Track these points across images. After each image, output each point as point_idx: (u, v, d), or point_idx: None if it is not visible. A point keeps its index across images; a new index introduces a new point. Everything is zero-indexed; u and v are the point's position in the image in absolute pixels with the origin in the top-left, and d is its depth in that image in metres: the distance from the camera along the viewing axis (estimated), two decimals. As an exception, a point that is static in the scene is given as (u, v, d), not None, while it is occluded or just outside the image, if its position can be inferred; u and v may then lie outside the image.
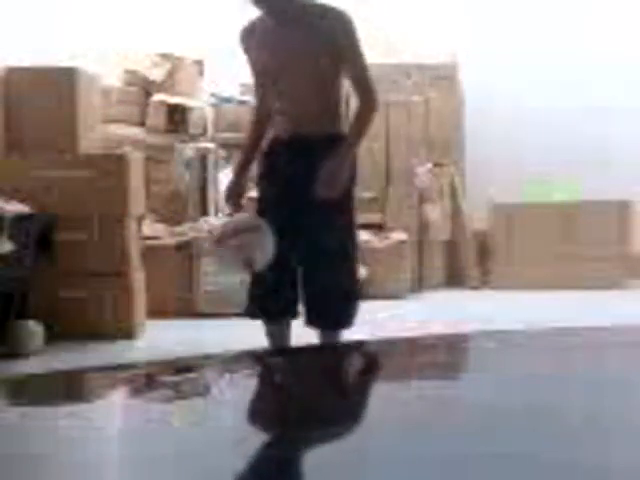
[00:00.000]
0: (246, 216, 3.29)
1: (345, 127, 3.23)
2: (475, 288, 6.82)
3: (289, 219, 3.15)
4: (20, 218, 4.26)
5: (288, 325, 3.30)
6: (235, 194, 3.43)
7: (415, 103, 6.87)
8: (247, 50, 3.24)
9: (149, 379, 1.13)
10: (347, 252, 3.22)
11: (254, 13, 3.17)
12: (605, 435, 0.80)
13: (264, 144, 3.39)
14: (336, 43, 3.06)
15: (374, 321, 5.22)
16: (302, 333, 3.24)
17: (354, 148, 3.13)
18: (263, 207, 3.29)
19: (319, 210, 3.08)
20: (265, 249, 3.05)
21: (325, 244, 3.12)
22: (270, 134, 3.35)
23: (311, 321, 3.19)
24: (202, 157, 6.24)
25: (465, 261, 7.01)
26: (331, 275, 3.14)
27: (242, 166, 3.45)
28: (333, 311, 3.18)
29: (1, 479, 0.71)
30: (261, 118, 3.37)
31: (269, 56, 3.16)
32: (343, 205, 3.18)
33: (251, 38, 3.21)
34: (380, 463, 0.72)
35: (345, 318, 3.21)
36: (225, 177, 6.40)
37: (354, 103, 3.33)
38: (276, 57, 3.14)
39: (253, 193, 6.29)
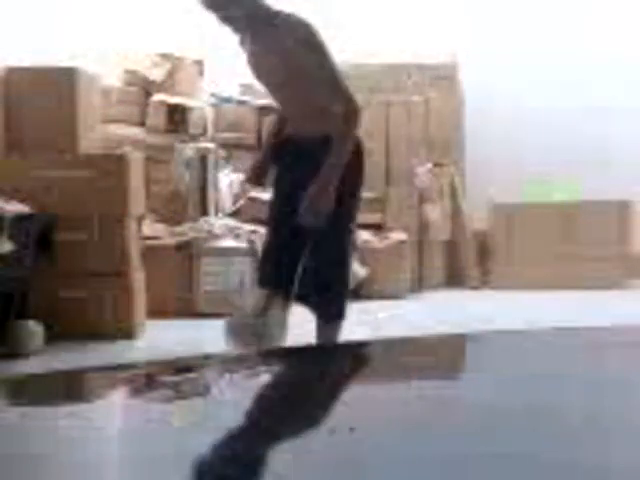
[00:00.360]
0: (260, 295, 3.35)
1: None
2: (475, 288, 6.83)
3: (296, 215, 3.20)
4: (20, 218, 4.26)
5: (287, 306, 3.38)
6: (256, 174, 3.50)
7: (415, 103, 6.87)
8: None
9: (149, 379, 1.13)
10: (343, 252, 3.29)
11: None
12: (605, 435, 0.80)
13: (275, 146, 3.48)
14: (296, 53, 3.04)
15: (374, 321, 5.23)
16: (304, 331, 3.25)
17: (336, 168, 3.03)
18: (276, 204, 3.36)
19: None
20: (281, 327, 3.19)
21: (326, 241, 3.19)
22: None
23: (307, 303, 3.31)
24: (202, 157, 6.23)
25: (465, 261, 7.01)
26: (326, 269, 3.22)
27: (265, 152, 3.52)
28: (324, 302, 3.27)
29: (1, 479, 0.71)
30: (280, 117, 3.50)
31: (252, 67, 3.25)
32: (349, 205, 3.24)
33: (244, 47, 3.30)
34: (380, 463, 0.72)
35: (334, 310, 3.28)
36: (225, 177, 6.41)
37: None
38: (256, 68, 3.23)
39: (253, 194, 6.31)
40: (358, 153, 3.20)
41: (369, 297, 6.05)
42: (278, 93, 3.27)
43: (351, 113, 3.05)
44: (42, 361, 4.18)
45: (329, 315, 3.28)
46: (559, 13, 7.27)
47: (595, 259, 6.64)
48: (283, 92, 3.23)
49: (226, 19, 3.10)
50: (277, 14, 3.13)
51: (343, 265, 3.31)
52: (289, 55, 3.05)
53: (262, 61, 3.16)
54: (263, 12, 3.12)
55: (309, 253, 3.21)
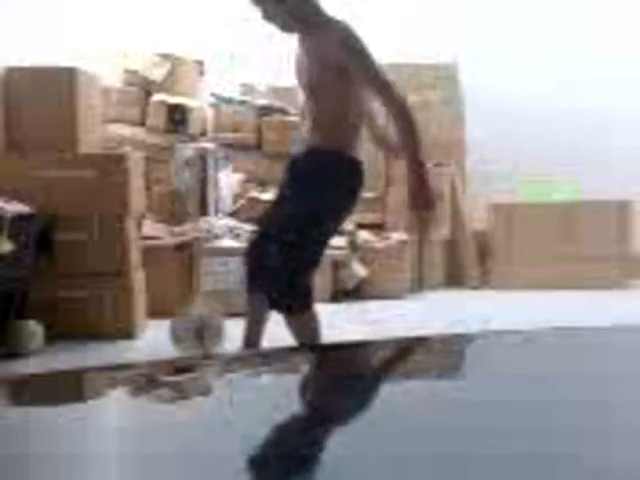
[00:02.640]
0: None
1: (354, 143, 3.28)
2: (475, 288, 6.83)
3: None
4: (20, 218, 4.26)
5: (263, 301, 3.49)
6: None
7: (415, 103, 6.86)
8: None
9: (149, 379, 1.13)
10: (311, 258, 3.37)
11: (255, 16, 3.18)
12: (605, 436, 0.80)
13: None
14: (339, 57, 3.01)
15: (374, 321, 5.23)
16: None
17: (417, 158, 3.17)
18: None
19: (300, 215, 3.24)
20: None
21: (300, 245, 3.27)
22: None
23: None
24: (202, 157, 6.24)
25: (465, 261, 7.01)
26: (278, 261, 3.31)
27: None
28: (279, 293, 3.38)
29: (1, 479, 0.71)
30: None
31: (295, 70, 3.26)
32: (334, 219, 3.31)
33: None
34: (379, 464, 0.72)
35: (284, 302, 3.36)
36: (225, 177, 6.41)
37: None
38: (296, 71, 3.24)
39: (253, 194, 6.29)
40: (357, 172, 3.24)
41: (369, 297, 6.05)
42: (310, 99, 3.24)
43: (403, 110, 3.04)
44: (42, 361, 4.18)
45: (284, 307, 3.35)
46: (559, 13, 7.27)
47: (595, 259, 6.64)
48: (314, 99, 3.21)
49: (267, 16, 3.08)
50: (317, 16, 3.12)
51: (306, 268, 3.34)
52: (327, 59, 3.03)
53: (302, 64, 3.16)
54: (304, 13, 3.11)
55: (280, 254, 3.25)
